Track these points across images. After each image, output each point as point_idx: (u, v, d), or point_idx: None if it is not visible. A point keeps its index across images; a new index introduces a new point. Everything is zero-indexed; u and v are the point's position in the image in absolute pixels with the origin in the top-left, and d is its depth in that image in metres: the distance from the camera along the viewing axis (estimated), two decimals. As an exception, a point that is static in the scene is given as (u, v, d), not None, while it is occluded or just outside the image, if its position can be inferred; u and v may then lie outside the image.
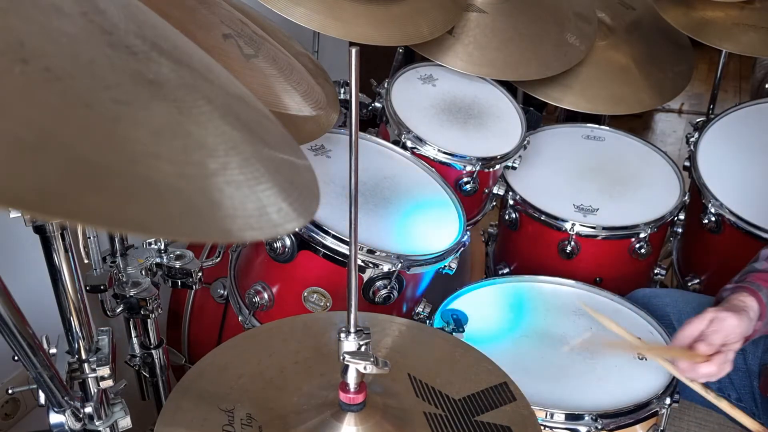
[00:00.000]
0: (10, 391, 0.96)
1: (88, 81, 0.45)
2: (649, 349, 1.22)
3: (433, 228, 1.36)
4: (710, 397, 1.12)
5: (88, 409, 0.85)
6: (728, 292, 1.18)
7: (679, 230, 1.67)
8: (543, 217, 1.58)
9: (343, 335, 0.77)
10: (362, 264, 1.19)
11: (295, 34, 1.39)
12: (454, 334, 1.15)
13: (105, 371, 0.87)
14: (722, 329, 1.09)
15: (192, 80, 0.56)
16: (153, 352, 1.21)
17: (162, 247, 1.22)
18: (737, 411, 1.10)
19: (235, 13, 1.16)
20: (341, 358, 0.77)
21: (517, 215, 1.64)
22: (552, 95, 1.78)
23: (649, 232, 1.56)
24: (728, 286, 1.20)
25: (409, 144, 1.50)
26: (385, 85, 1.61)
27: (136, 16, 0.56)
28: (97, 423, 0.87)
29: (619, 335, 1.20)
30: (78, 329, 0.86)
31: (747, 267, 1.23)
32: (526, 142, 1.62)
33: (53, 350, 0.86)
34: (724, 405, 1.11)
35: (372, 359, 0.77)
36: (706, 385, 1.13)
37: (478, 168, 1.52)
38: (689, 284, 1.70)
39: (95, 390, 0.89)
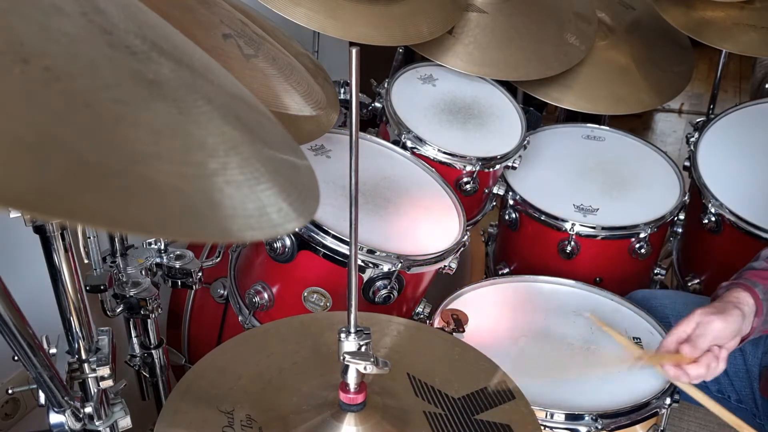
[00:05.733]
0: (10, 391, 0.96)
1: (88, 81, 0.45)
2: (639, 357, 1.21)
3: (433, 228, 1.36)
4: (703, 399, 1.11)
5: (88, 409, 0.85)
6: (723, 289, 1.17)
7: (679, 230, 1.67)
8: (543, 217, 1.58)
9: (343, 335, 0.77)
10: (362, 264, 1.19)
11: (295, 34, 1.39)
12: (454, 334, 1.15)
13: (105, 371, 0.87)
14: (708, 332, 1.09)
15: (192, 80, 0.56)
16: (153, 352, 1.21)
17: (162, 247, 1.22)
18: (729, 414, 1.09)
19: (235, 13, 1.16)
20: (341, 358, 0.77)
21: (517, 215, 1.64)
22: (552, 95, 1.78)
23: (649, 232, 1.56)
24: (724, 284, 1.19)
25: (409, 144, 1.50)
26: (385, 85, 1.61)
27: (136, 16, 0.56)
28: (97, 423, 0.87)
29: (623, 345, 1.20)
30: (78, 329, 0.86)
31: (745, 266, 1.23)
32: (526, 142, 1.62)
33: (53, 350, 0.85)
34: (719, 409, 1.10)
35: (372, 359, 0.77)
36: (705, 388, 1.12)
37: (478, 168, 1.52)
38: (689, 284, 1.70)
39: (95, 390, 0.89)
